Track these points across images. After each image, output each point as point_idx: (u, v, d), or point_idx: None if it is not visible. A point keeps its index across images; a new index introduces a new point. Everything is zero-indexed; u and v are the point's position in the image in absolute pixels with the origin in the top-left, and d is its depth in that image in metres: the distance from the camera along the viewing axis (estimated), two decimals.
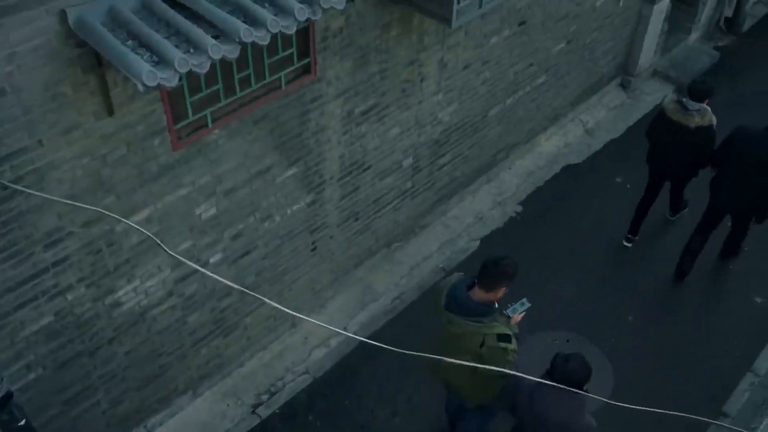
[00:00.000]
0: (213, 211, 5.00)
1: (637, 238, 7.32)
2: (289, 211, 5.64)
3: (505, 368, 4.21)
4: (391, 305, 6.73)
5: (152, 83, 3.27)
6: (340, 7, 3.89)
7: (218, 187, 4.92)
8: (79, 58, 3.65)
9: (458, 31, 6.03)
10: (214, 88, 4.47)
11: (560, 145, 8.30)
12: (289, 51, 4.80)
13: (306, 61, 4.96)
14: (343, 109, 5.48)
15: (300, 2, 3.74)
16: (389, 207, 6.66)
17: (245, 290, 3.18)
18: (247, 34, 3.50)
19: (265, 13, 3.63)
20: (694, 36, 9.67)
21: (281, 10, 3.72)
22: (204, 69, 3.44)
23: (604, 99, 8.84)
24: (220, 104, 4.57)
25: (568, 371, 4.24)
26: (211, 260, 5.24)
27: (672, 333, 6.54)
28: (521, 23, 6.68)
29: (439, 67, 6.09)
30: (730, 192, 6.43)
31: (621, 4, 7.93)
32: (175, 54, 3.34)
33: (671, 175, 7.01)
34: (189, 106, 4.39)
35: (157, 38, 3.45)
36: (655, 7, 8.28)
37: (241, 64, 4.53)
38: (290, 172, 5.41)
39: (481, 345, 4.42)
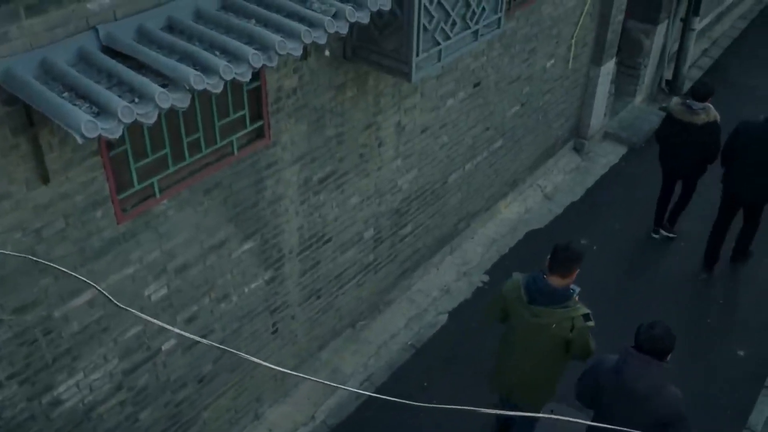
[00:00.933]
0: (164, 291, 4.53)
1: (661, 231, 7.83)
2: (246, 290, 5.20)
3: (590, 346, 4.72)
4: (360, 389, 6.22)
5: (92, 134, 2.88)
6: (297, 53, 3.62)
7: (169, 264, 4.47)
8: (8, 117, 3.25)
9: (414, 92, 5.85)
10: (161, 153, 4.10)
11: (521, 211, 8.11)
12: (241, 113, 4.49)
13: (259, 124, 4.65)
14: (300, 176, 5.15)
15: (254, 48, 3.45)
16: (352, 283, 6.26)
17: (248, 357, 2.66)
18: (198, 80, 3.17)
19: (216, 60, 3.32)
20: (639, 98, 9.80)
21: (234, 58, 3.42)
22: (151, 119, 3.08)
23: (559, 163, 8.75)
24: (169, 171, 4.19)
25: (655, 338, 4.28)
26: (164, 347, 4.72)
27: None
28: (476, 84, 6.56)
29: (396, 130, 5.86)
30: (740, 182, 6.94)
31: (570, 66, 7.94)
32: (118, 102, 2.98)
33: (683, 174, 7.49)
34: (134, 174, 4.00)
35: (97, 88, 3.09)
36: (602, 68, 8.34)
37: (189, 126, 4.19)
38: (247, 246, 5.00)
39: (572, 329, 4.66)
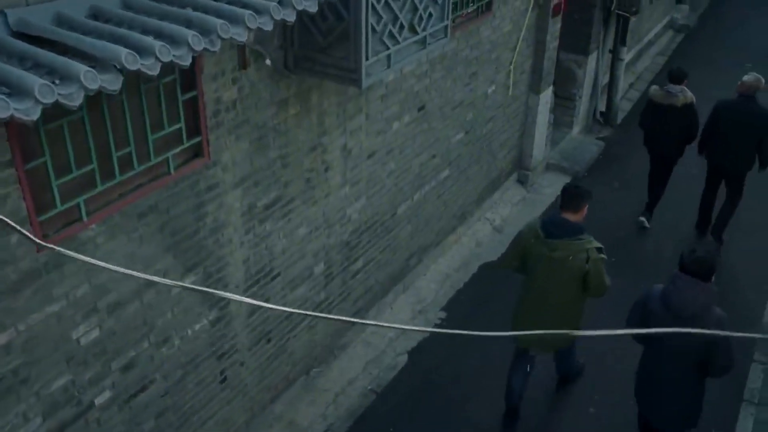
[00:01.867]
0: (95, 333, 3.93)
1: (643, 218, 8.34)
2: (190, 332, 4.62)
3: (605, 280, 5.05)
4: None
5: (4, 114, 2.38)
6: (242, 39, 3.22)
7: (100, 301, 3.89)
8: None
9: (359, 113, 5.51)
10: (88, 168, 3.59)
11: (471, 245, 7.79)
12: (177, 126, 4.03)
13: (197, 140, 4.19)
14: (243, 201, 4.68)
15: (195, 31, 3.04)
16: (304, 324, 5.74)
17: None
18: (131, 59, 2.73)
19: (152, 41, 2.89)
20: (576, 129, 9.77)
21: (172, 41, 2.99)
22: (76, 101, 2.60)
23: (505, 195, 8.53)
24: (97, 190, 3.67)
25: (699, 259, 4.48)
26: (97, 401, 4.08)
27: None
28: (420, 108, 6.28)
29: (343, 154, 5.48)
30: (721, 155, 7.61)
31: (510, 92, 7.80)
32: (35, 80, 2.50)
33: (667, 154, 8.00)
34: (56, 192, 3.46)
35: (7, 68, 2.60)
36: (540, 97, 8.25)
37: (119, 138, 3.71)
38: (188, 281, 4.46)
39: (587, 261, 4.97)
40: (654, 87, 7.90)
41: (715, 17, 14.45)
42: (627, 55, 10.16)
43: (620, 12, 9.37)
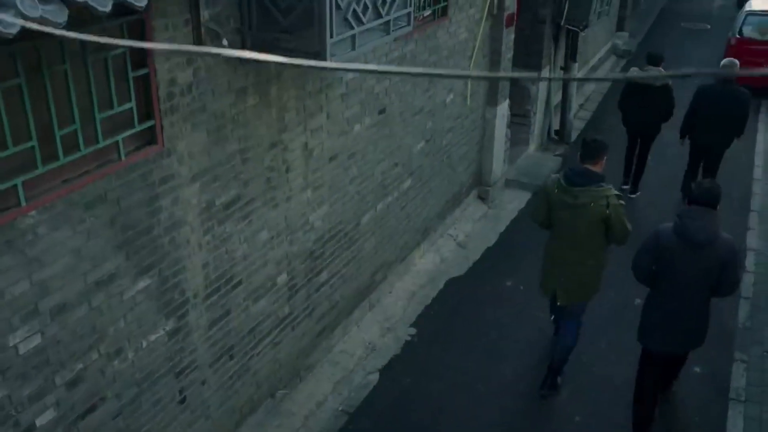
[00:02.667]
0: (37, 340, 3.45)
1: (629, 183, 9.10)
2: (145, 343, 4.16)
3: (627, 224, 5.28)
4: None
5: None
6: None
7: (42, 302, 3.43)
8: None
9: (320, 111, 5.21)
10: (26, 145, 3.18)
11: (436, 261, 7.49)
12: (127, 106, 3.66)
13: (150, 124, 3.82)
14: (201, 198, 4.30)
15: None
16: (268, 341, 5.31)
17: None
18: None
19: None
20: (532, 147, 9.68)
21: None
22: (11, 29, 2.23)
23: (467, 212, 8.30)
24: (37, 172, 3.25)
25: (707, 189, 4.90)
26: (39, 421, 3.57)
27: None
28: (381, 111, 6.03)
29: (304, 155, 5.16)
30: (703, 134, 8.22)
31: (468, 103, 7.63)
32: None
33: (644, 132, 8.70)
34: None
35: None
36: (497, 109, 8.11)
37: (63, 114, 3.32)
38: (142, 285, 4.02)
39: (608, 206, 5.21)
40: (633, 68, 8.65)
41: (653, 43, 14.80)
42: (578, 73, 10.18)
43: (570, 27, 9.40)
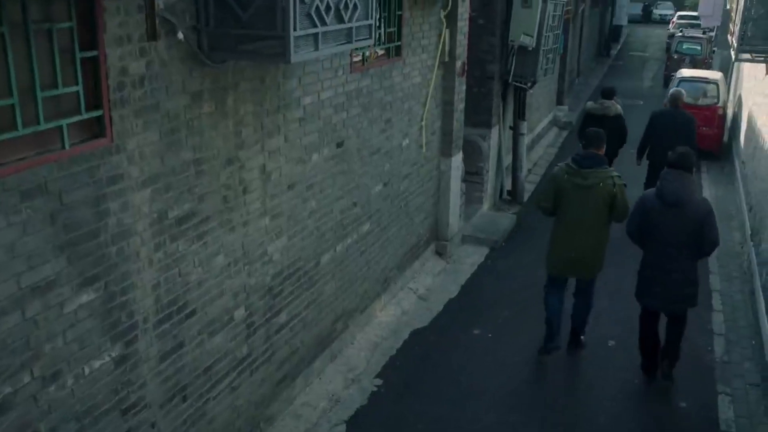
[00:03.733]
0: None
1: None
2: (87, 370, 3.63)
3: (628, 203, 5.96)
4: None
5: None
6: None
7: None
8: None
9: (278, 132, 4.93)
10: None
11: (398, 313, 7.09)
12: (73, 89, 3.32)
13: (98, 114, 3.47)
14: (153, 207, 3.90)
15: None
16: (225, 383, 4.78)
17: None
18: None
19: None
20: (486, 205, 9.55)
21: None
22: None
23: (425, 266, 7.99)
24: None
25: (682, 155, 5.65)
26: None
27: None
28: (339, 144, 5.78)
29: (262, 177, 4.83)
30: (658, 153, 8.76)
31: (424, 150, 7.48)
32: None
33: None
34: None
35: None
36: (452, 161, 7.98)
37: None
38: (85, 298, 3.54)
39: (614, 185, 5.90)
40: (590, 102, 9.95)
41: None
42: (526, 137, 10.25)
43: (517, 84, 9.50)
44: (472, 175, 9.18)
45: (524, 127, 10.02)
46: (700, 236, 5.50)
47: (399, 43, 6.61)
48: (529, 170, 11.26)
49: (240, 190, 4.64)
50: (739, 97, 12.51)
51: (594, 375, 6.20)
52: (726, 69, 15.69)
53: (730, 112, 13.32)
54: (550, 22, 9.11)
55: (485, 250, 8.61)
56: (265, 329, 5.16)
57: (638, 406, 5.81)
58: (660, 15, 39.84)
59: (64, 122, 3.29)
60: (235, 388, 4.91)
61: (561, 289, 6.37)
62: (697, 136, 11.65)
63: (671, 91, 9.88)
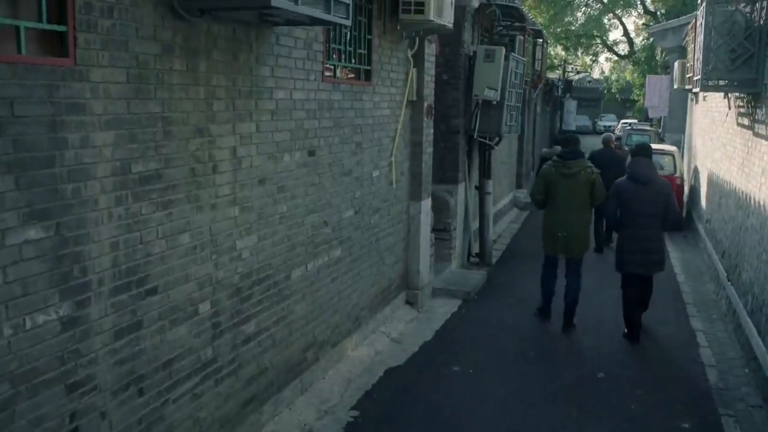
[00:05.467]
0: None
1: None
2: (29, 323, 3.11)
3: (603, 190, 7.45)
4: None
5: None
6: None
7: None
8: None
9: (249, 118, 4.65)
10: None
11: (371, 354, 6.58)
12: None
13: (61, 29, 3.16)
14: (116, 154, 3.52)
15: None
16: (187, 387, 4.21)
17: None
18: None
19: None
20: (454, 264, 9.22)
21: None
22: None
23: (396, 313, 7.54)
24: None
25: (642, 146, 7.71)
26: None
27: None
28: (311, 153, 5.51)
29: (232, 162, 4.49)
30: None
31: (394, 186, 7.22)
32: None
33: None
34: None
35: None
36: (421, 205, 7.74)
37: None
38: (33, 234, 3.08)
39: (592, 173, 7.38)
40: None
41: None
42: (492, 211, 10.15)
43: (481, 139, 9.46)
44: (441, 231, 8.92)
45: (490, 185, 9.92)
46: (665, 207, 6.94)
47: (369, 68, 6.51)
48: (495, 240, 11.06)
49: (210, 167, 4.28)
50: (695, 169, 12.77)
51: (586, 401, 5.73)
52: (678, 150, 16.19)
53: (686, 184, 13.56)
54: (513, 78, 9.22)
55: (457, 302, 8.22)
56: (231, 335, 4.64)
57: (638, 428, 5.33)
58: (604, 126, 42.11)
59: (21, 24, 2.96)
60: (197, 395, 4.33)
61: (555, 267, 7.72)
62: None
63: (603, 135, 12.18)
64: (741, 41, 6.76)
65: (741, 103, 7.72)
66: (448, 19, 6.93)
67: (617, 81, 38.53)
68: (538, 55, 15.47)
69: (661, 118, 19.03)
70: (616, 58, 38.64)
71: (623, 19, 35.50)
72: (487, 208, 9.87)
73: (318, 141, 5.65)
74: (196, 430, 4.35)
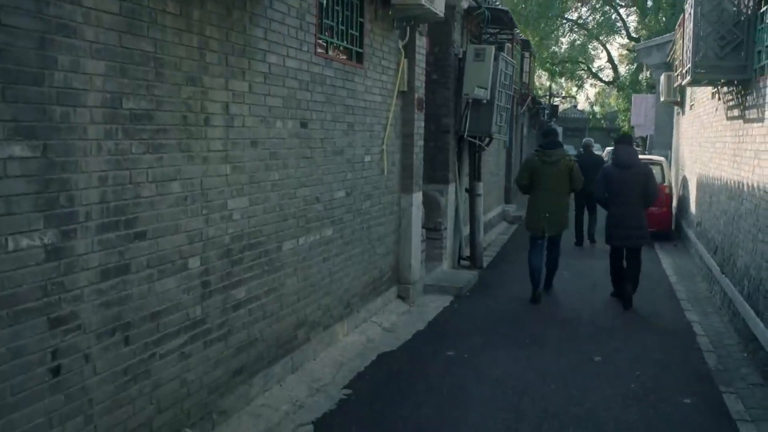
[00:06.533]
0: None
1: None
2: (12, 244, 2.97)
3: (581, 176, 8.46)
4: None
5: None
6: None
7: None
8: None
9: (242, 76, 4.57)
10: None
11: (363, 340, 6.42)
12: None
13: None
14: (107, 85, 3.42)
15: None
16: (175, 344, 4.05)
17: None
18: None
19: None
20: (445, 264, 9.10)
21: None
22: None
23: (388, 306, 7.39)
24: None
25: (623, 135, 9.19)
26: None
27: None
28: (303, 125, 5.43)
29: (225, 117, 4.40)
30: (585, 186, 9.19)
31: (385, 174, 7.14)
32: None
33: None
34: None
35: None
36: (413, 198, 7.65)
37: None
38: (18, 150, 2.97)
39: (570, 161, 8.37)
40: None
41: None
42: (483, 222, 10.08)
43: (471, 139, 9.42)
44: (432, 231, 8.81)
45: (480, 188, 9.85)
46: (646, 187, 7.85)
47: (361, 50, 6.48)
48: (485, 248, 10.96)
49: (201, 118, 4.19)
50: (683, 179, 12.79)
51: (585, 381, 5.58)
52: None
53: (675, 194, 13.56)
54: (502, 79, 9.23)
55: (449, 298, 8.08)
56: (221, 298, 4.49)
57: (640, 406, 5.17)
58: None
59: None
60: (186, 355, 4.16)
61: (540, 246, 8.33)
62: (648, 217, 11.91)
63: (583, 141, 13.21)
64: (730, 28, 6.80)
65: (730, 96, 7.74)
66: (439, 8, 6.94)
67: (602, 107, 38.93)
68: (526, 67, 15.61)
69: (647, 137, 19.16)
70: (601, 84, 39.21)
71: (607, 46, 36.22)
72: (478, 211, 9.79)
73: (310, 114, 5.57)
74: (184, 391, 4.17)
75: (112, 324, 3.56)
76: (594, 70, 37.74)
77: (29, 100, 3.00)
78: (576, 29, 33.72)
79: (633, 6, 31.78)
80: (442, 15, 7.06)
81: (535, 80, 22.10)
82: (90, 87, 3.33)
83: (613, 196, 7.90)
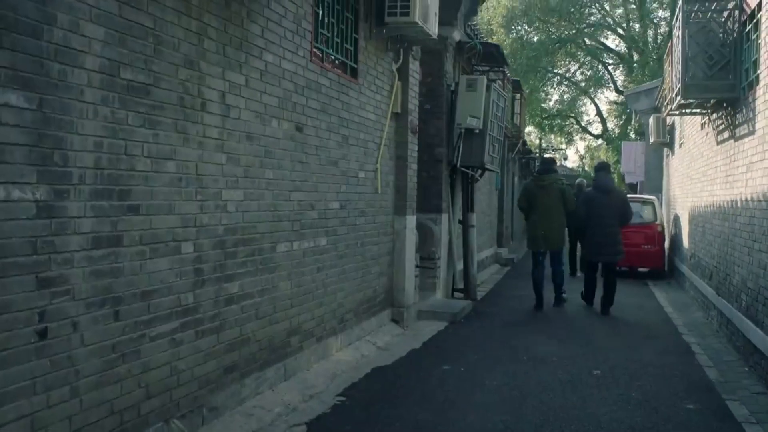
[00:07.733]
0: None
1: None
2: (2, 193, 2.92)
3: (574, 198, 9.64)
4: None
5: None
6: None
7: None
8: None
9: (239, 68, 4.60)
10: None
11: (357, 356, 6.28)
12: None
13: None
14: (105, 50, 3.42)
15: None
16: (166, 329, 3.94)
17: None
18: None
19: None
20: (439, 293, 9.00)
21: None
22: None
23: (382, 328, 7.26)
24: None
25: (601, 163, 10.23)
26: None
27: None
28: (299, 128, 5.43)
29: (221, 106, 4.40)
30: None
31: (379, 191, 7.11)
32: None
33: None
34: None
35: None
36: (406, 221, 7.61)
37: None
38: (13, 99, 2.96)
39: (563, 184, 9.49)
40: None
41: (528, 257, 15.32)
42: (475, 260, 10.04)
43: (464, 169, 9.44)
44: (426, 260, 8.75)
45: (473, 219, 9.83)
46: (623, 209, 9.08)
47: (355, 66, 6.55)
48: (478, 285, 10.86)
49: (198, 102, 4.18)
50: (675, 217, 12.81)
51: (585, 391, 5.45)
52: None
53: (667, 233, 13.54)
54: (494, 110, 9.33)
55: (444, 323, 7.97)
56: (214, 289, 4.39)
57: (644, 411, 5.04)
58: None
59: None
60: (176, 342, 4.04)
61: (542, 262, 9.33)
62: (641, 255, 11.88)
63: (576, 181, 13.61)
64: (717, 48, 6.93)
65: (720, 121, 7.83)
66: (432, 29, 7.04)
67: (592, 160, 39.27)
68: (517, 109, 15.80)
69: (637, 183, 19.33)
70: (590, 137, 39.76)
71: (595, 99, 36.73)
72: (471, 242, 9.74)
73: (306, 119, 5.58)
74: (174, 380, 4.04)
75: (101, 295, 3.47)
76: (583, 124, 38.35)
77: (27, 50, 2.99)
78: (565, 82, 34.37)
79: (620, 63, 32.57)
80: (434, 36, 7.17)
81: (525, 137, 22.31)
82: (88, 50, 3.32)
83: (593, 217, 8.98)
